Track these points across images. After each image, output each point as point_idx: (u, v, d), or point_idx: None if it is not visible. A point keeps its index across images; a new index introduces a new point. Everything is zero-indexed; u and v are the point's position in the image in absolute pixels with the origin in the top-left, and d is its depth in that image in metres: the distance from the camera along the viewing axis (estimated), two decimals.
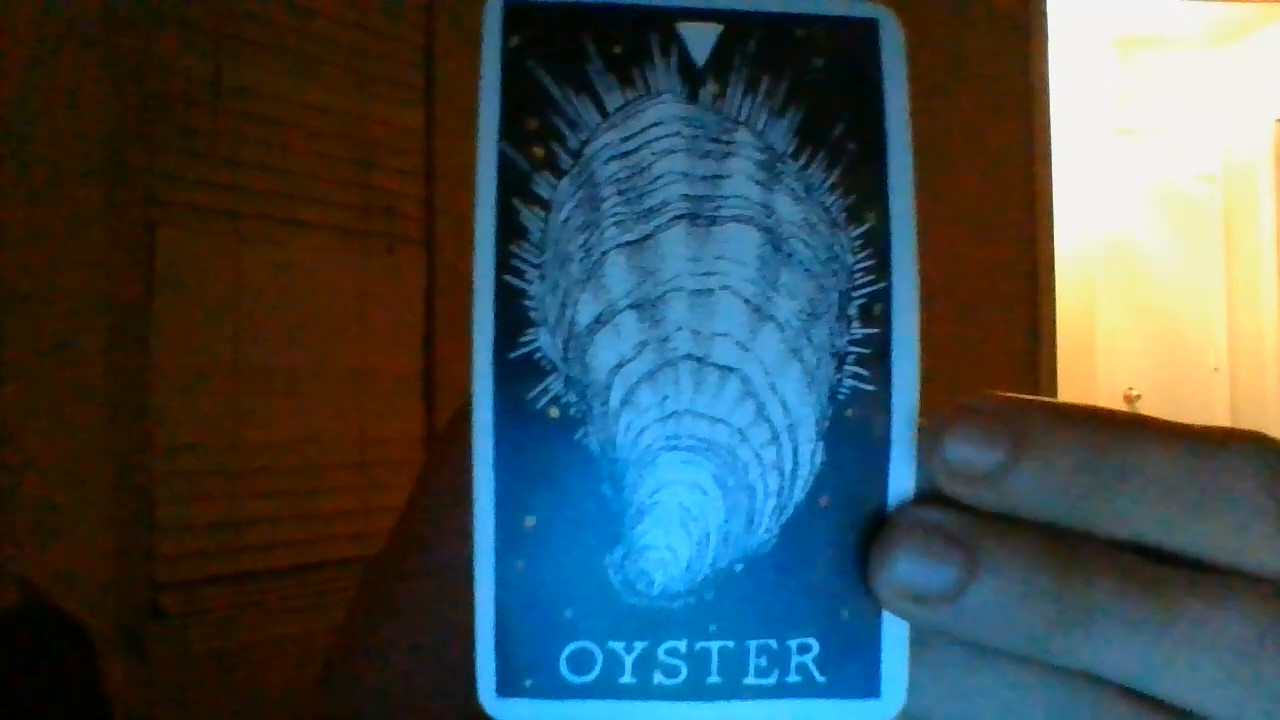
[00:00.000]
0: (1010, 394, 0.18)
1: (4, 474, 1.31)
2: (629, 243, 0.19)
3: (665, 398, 0.19)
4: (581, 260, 0.19)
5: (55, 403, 1.37)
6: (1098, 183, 3.89)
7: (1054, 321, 2.37)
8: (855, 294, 0.19)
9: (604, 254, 0.19)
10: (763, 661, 0.19)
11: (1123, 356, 3.89)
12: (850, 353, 0.19)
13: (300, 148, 1.64)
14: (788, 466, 0.19)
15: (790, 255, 0.19)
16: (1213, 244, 3.99)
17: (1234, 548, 0.17)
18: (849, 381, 0.19)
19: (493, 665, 0.18)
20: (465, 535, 0.18)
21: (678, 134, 0.19)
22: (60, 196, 1.38)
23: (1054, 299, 2.36)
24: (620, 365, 0.19)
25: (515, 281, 0.18)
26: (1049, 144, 2.36)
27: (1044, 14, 2.36)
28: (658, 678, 0.18)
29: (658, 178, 0.19)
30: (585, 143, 0.19)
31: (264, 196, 1.59)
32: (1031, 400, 0.18)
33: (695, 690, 0.18)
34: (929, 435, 0.18)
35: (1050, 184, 2.36)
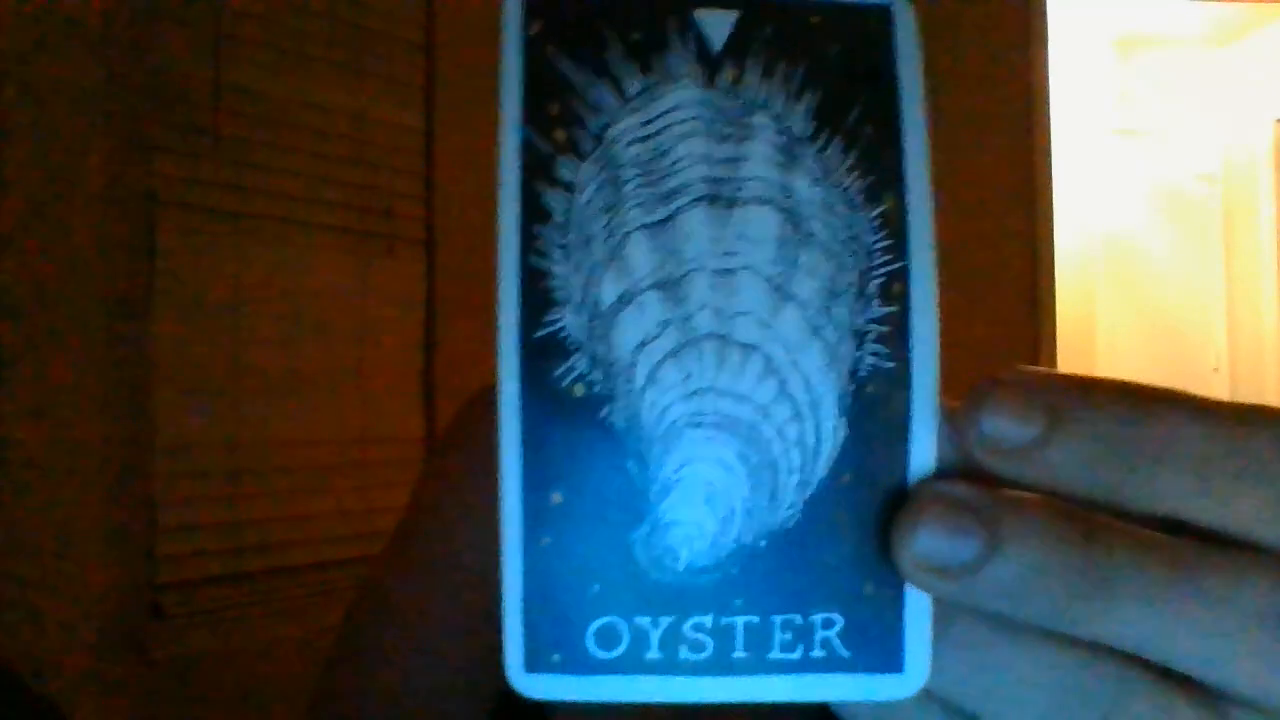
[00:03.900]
0: (1047, 369, 0.18)
1: (4, 474, 1.31)
2: (651, 224, 0.19)
3: (689, 375, 0.19)
4: (604, 241, 0.19)
5: (55, 403, 1.36)
6: (1098, 183, 3.89)
7: (1054, 321, 2.37)
8: (874, 273, 0.19)
9: (626, 235, 0.19)
10: (787, 636, 0.19)
11: (1123, 356, 3.89)
12: (870, 331, 0.19)
13: (300, 148, 1.64)
14: (810, 443, 0.19)
15: (810, 235, 0.19)
16: (1213, 244, 3.99)
17: (1260, 523, 0.17)
18: (869, 359, 0.19)
19: (521, 641, 0.18)
20: (485, 515, 0.18)
21: (697, 118, 0.19)
22: (60, 196, 1.38)
23: (1054, 299, 2.37)
24: (644, 344, 0.19)
25: (539, 262, 0.19)
26: (1049, 144, 2.36)
27: (1044, 14, 2.36)
28: (684, 652, 0.19)
29: (678, 160, 0.19)
30: (606, 126, 0.19)
31: (264, 196, 1.59)
32: (1068, 375, 0.18)
33: (721, 665, 0.19)
34: (965, 407, 0.18)
35: (1050, 184, 2.36)
